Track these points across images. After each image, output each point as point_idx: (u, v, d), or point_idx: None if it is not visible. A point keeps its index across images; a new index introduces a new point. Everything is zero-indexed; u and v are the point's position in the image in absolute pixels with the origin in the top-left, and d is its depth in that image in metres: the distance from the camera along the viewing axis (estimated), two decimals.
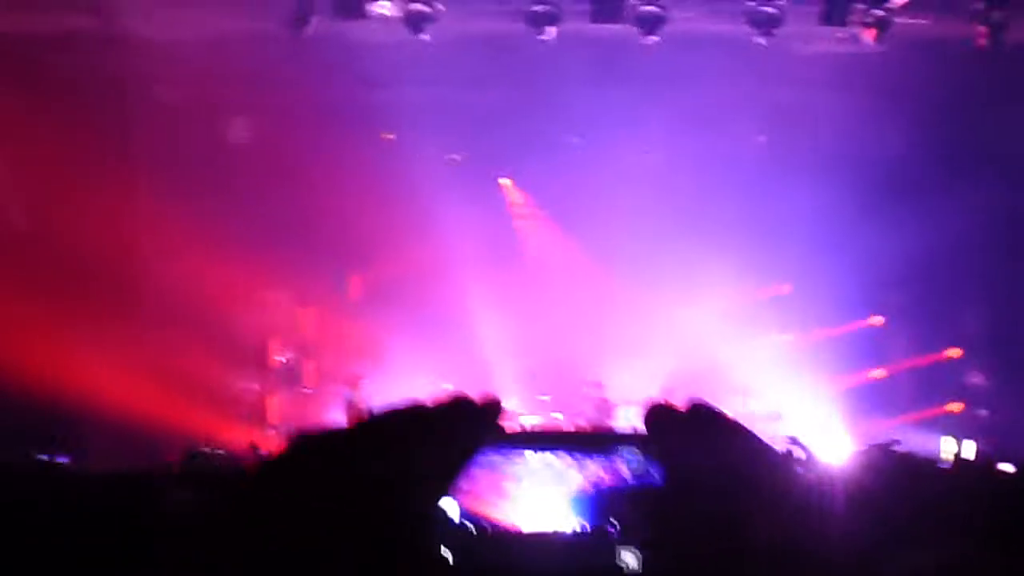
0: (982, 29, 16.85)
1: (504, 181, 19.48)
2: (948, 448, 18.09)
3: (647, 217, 17.74)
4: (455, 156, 19.02)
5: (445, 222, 17.85)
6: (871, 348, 19.24)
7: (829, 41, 17.57)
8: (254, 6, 17.16)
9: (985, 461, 16.38)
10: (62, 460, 13.45)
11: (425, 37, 16.63)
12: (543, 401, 18.54)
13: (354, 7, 16.80)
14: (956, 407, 19.07)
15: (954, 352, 19.28)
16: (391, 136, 18.62)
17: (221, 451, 14.56)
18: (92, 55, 17.10)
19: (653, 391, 18.51)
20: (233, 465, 12.43)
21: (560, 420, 18.29)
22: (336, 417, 17.72)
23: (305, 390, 18.77)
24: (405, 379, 18.08)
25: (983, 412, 18.94)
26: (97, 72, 17.18)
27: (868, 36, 17.06)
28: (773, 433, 18.08)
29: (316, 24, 16.88)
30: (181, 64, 17.26)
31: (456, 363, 18.27)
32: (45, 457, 12.90)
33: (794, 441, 14.27)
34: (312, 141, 17.82)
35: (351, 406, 18.12)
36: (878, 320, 19.40)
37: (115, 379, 16.74)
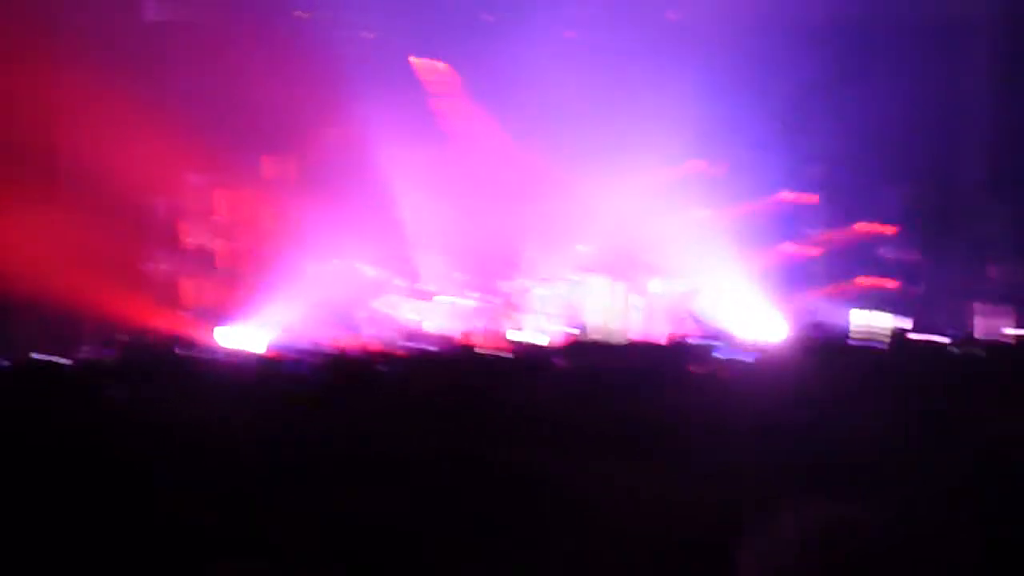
0: None
1: (421, 60, 19.30)
2: (872, 321, 18.26)
3: (568, 96, 17.65)
4: (368, 33, 18.81)
5: (364, 102, 17.72)
6: (793, 224, 19.28)
7: None
8: None
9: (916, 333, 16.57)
10: None
11: None
12: (463, 280, 18.62)
13: None
14: (878, 282, 19.19)
15: (878, 228, 19.35)
16: (306, 15, 18.43)
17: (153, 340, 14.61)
18: None
19: (576, 270, 18.65)
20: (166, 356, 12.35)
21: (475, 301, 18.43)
22: None
23: (218, 272, 18.68)
24: (324, 262, 18.16)
25: (906, 287, 19.09)
26: None
27: None
28: (692, 309, 18.29)
29: None
30: None
31: (376, 245, 18.35)
32: None
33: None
34: (228, 21, 17.67)
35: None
36: (802, 196, 19.41)
37: (32, 263, 16.72)
